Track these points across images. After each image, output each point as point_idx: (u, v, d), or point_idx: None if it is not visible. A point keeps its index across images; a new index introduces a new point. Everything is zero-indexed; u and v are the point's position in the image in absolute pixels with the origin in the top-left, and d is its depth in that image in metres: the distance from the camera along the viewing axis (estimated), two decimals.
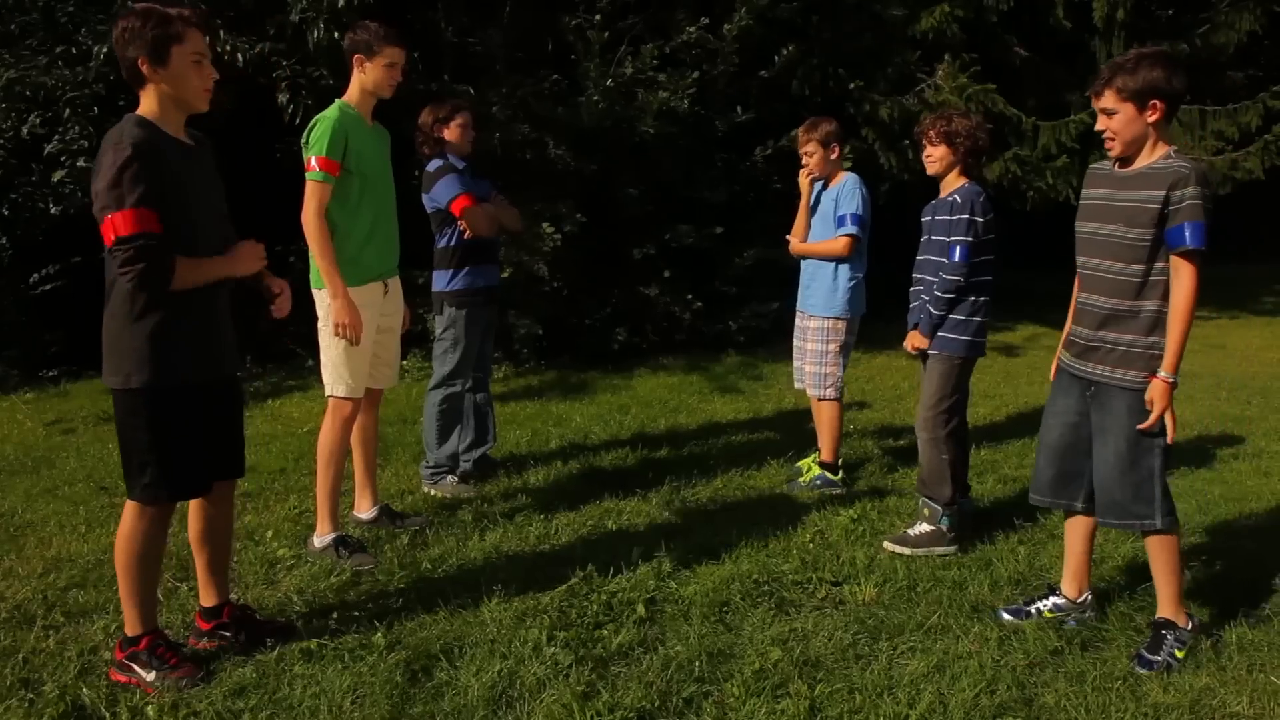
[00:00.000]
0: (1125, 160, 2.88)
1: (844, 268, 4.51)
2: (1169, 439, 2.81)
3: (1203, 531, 4.02)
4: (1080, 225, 3.00)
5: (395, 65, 3.72)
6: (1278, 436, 5.59)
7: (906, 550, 3.72)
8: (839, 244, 4.46)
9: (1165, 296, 2.79)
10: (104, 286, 2.69)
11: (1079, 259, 3.01)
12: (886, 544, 3.77)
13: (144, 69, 2.62)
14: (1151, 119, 2.77)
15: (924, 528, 3.79)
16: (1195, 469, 4.92)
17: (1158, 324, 2.80)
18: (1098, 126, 2.87)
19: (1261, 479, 4.77)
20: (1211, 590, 3.36)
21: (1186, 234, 2.69)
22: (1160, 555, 2.92)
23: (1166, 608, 2.94)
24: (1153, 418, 2.78)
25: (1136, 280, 2.81)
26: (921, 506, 3.84)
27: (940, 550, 3.73)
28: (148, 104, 2.68)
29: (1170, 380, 2.77)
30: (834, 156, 4.55)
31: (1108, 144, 2.85)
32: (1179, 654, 2.87)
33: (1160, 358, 2.79)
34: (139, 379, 2.64)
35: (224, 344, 2.86)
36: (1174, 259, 2.75)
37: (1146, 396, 2.80)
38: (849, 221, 4.43)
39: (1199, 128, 9.43)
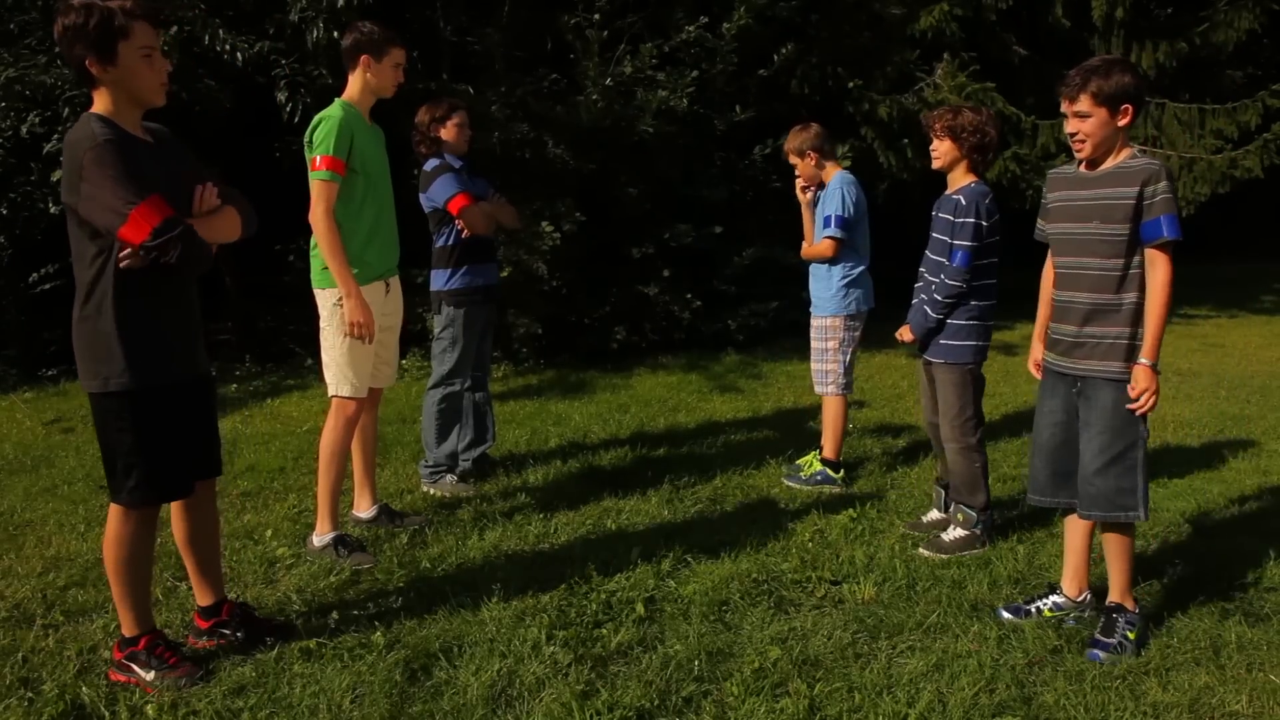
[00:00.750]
0: (1091, 162, 2.96)
1: (835, 268, 4.57)
2: (1144, 405, 2.86)
3: (1202, 530, 4.02)
4: (1051, 227, 3.09)
5: (400, 66, 3.73)
6: (1277, 435, 5.59)
7: (944, 556, 3.70)
8: (821, 247, 4.56)
9: (1143, 289, 2.89)
10: (75, 290, 2.63)
11: (1056, 259, 3.11)
12: (922, 550, 3.75)
13: (93, 69, 2.51)
14: (1122, 123, 2.86)
15: (959, 533, 3.77)
16: (1195, 468, 4.91)
17: (1139, 316, 2.90)
18: (1069, 129, 2.93)
19: (1261, 478, 4.77)
20: (1211, 589, 3.36)
21: (1164, 227, 2.80)
22: (1122, 546, 3.02)
23: (1118, 593, 3.03)
24: (1136, 392, 2.86)
25: (1117, 274, 2.90)
26: (955, 512, 3.82)
27: (972, 553, 3.73)
28: (102, 102, 2.57)
29: (1149, 365, 2.86)
30: (812, 163, 4.61)
31: (1077, 147, 2.93)
32: (1131, 635, 2.95)
33: (1140, 348, 2.89)
34: (119, 382, 2.60)
35: (197, 342, 2.82)
36: (1150, 251, 2.85)
37: (1130, 382, 2.88)
38: (831, 224, 4.50)
39: (1198, 126, 9.44)
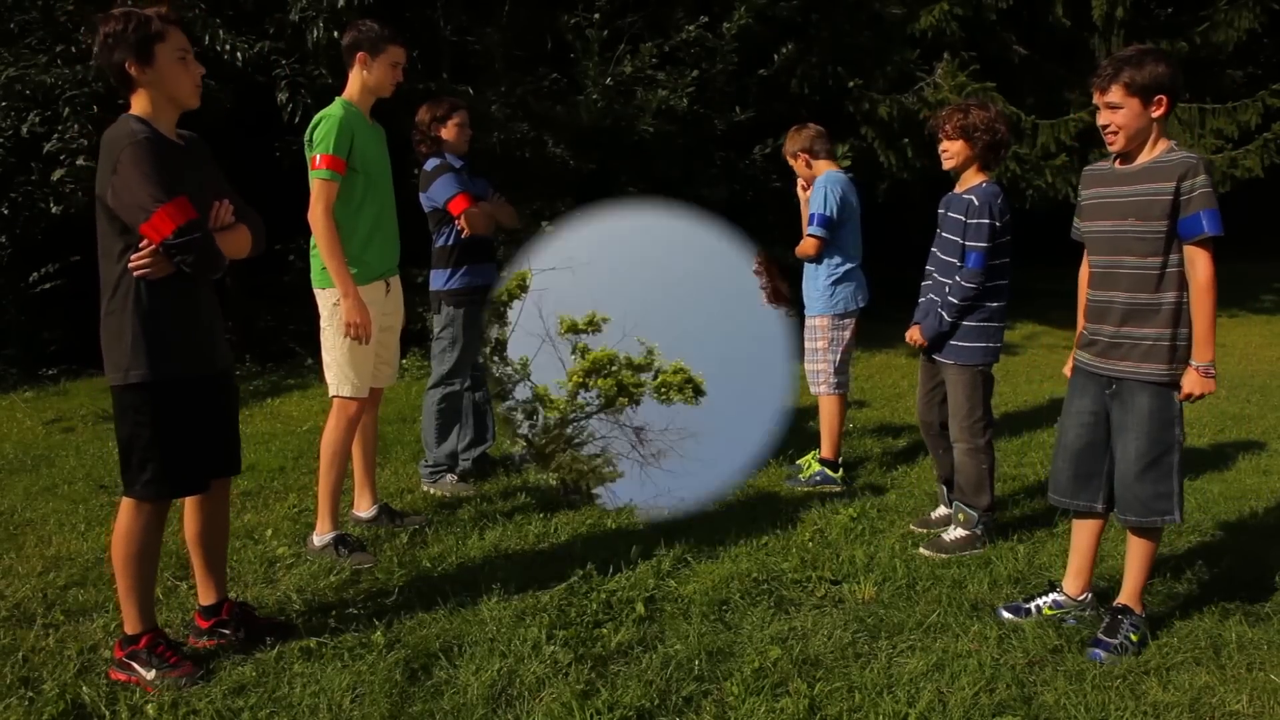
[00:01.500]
0: (1125, 157, 2.89)
1: (820, 268, 4.59)
2: (1199, 386, 2.81)
3: (1202, 530, 4.02)
4: (1086, 225, 3.02)
5: (398, 65, 3.73)
6: (1277, 434, 5.59)
7: (944, 556, 3.69)
8: (803, 245, 4.59)
9: (1183, 288, 2.81)
10: (100, 286, 2.68)
11: (1091, 258, 3.03)
12: (923, 549, 3.74)
13: (132, 71, 2.62)
14: (1156, 114, 2.79)
15: (959, 533, 3.75)
16: (1195, 467, 4.91)
17: (1180, 316, 2.82)
18: (1101, 121, 2.85)
19: (1261, 477, 4.76)
20: (1211, 588, 3.36)
21: (1204, 222, 2.72)
22: (1147, 550, 3.00)
23: (1129, 596, 3.01)
24: (1184, 397, 2.84)
25: (1155, 273, 2.82)
26: (956, 512, 3.81)
27: (973, 553, 3.71)
28: (140, 105, 2.68)
29: (1197, 367, 2.80)
30: (803, 164, 4.66)
31: (1109, 139, 2.85)
32: (1134, 637, 2.93)
33: (1184, 349, 2.82)
34: (137, 374, 2.65)
35: (217, 338, 2.87)
36: (1189, 249, 2.78)
37: (1183, 385, 2.83)
38: (814, 222, 4.52)
39: (1198, 126, 9.45)
